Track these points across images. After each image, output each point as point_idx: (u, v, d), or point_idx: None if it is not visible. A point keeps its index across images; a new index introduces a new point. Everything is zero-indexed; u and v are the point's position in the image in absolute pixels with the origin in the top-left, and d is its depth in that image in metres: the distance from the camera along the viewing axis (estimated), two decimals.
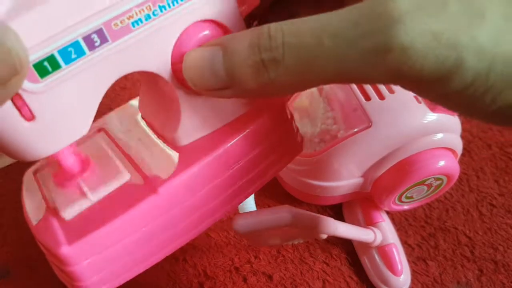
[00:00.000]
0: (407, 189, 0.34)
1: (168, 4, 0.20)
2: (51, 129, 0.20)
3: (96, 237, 0.22)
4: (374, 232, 0.34)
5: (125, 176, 0.24)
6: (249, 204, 0.31)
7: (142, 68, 0.21)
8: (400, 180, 0.33)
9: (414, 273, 0.36)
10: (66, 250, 0.22)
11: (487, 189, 0.40)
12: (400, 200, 0.36)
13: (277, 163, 0.27)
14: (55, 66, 0.18)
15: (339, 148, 0.33)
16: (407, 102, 0.33)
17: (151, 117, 0.26)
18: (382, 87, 0.34)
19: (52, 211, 0.23)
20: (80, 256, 0.22)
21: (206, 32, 0.21)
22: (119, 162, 0.25)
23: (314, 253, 0.37)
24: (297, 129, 0.28)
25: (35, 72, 0.18)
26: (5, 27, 0.16)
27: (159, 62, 0.21)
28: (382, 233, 0.35)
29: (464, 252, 0.37)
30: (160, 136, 0.26)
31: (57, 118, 0.19)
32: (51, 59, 0.18)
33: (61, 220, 0.23)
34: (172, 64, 0.21)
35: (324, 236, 0.30)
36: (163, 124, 0.25)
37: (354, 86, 0.34)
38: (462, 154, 0.42)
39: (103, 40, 0.19)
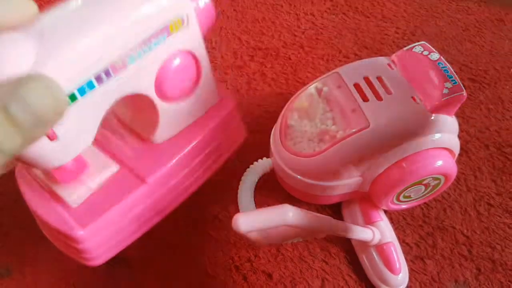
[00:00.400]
0: (405, 189, 0.35)
1: (155, 43, 0.26)
2: (69, 144, 0.25)
3: (102, 221, 0.28)
4: (373, 231, 0.35)
5: (114, 168, 0.30)
6: (249, 203, 0.31)
7: (135, 91, 0.27)
8: (398, 180, 0.34)
9: (412, 271, 0.36)
10: (80, 232, 0.28)
11: (485, 188, 0.40)
12: (398, 199, 0.36)
13: (230, 146, 0.35)
14: (73, 99, 0.23)
15: (338, 148, 0.33)
16: (405, 102, 0.33)
17: (125, 116, 0.31)
18: (380, 88, 0.34)
19: (56, 200, 0.29)
20: (90, 236, 0.28)
21: (182, 58, 0.28)
22: (104, 154, 0.31)
23: (313, 252, 0.37)
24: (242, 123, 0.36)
25: None
26: (52, 80, 0.19)
27: (147, 84, 0.27)
28: (380, 232, 0.35)
29: (462, 251, 0.37)
30: (132, 131, 0.32)
31: (74, 136, 0.25)
32: (71, 95, 0.23)
33: (67, 207, 0.29)
34: (156, 84, 0.28)
35: (323, 235, 0.30)
36: (139, 125, 0.32)
37: (352, 87, 0.35)
38: (460, 154, 0.42)
39: (108, 75, 0.24)
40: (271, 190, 0.39)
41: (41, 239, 0.37)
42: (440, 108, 0.33)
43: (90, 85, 0.23)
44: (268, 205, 0.39)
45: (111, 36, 0.23)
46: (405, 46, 0.49)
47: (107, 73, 0.24)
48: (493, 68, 0.47)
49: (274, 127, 0.38)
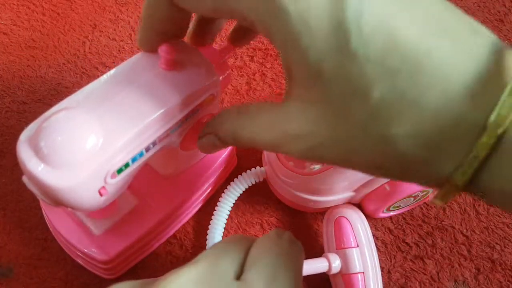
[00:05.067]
0: (396, 202, 0.35)
1: (191, 115, 0.30)
2: (114, 195, 0.30)
3: (125, 247, 0.34)
4: (329, 261, 0.33)
5: (133, 202, 0.35)
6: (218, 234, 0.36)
7: (167, 147, 0.31)
8: (390, 196, 0.34)
9: (411, 271, 0.36)
10: (106, 258, 0.33)
11: None
12: (388, 209, 0.37)
13: (226, 172, 0.41)
14: (127, 166, 0.28)
15: (336, 169, 0.33)
16: None
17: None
18: None
19: (82, 227, 0.34)
20: (114, 259, 0.33)
21: (204, 118, 0.33)
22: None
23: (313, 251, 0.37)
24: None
25: (116, 173, 0.27)
26: None
27: (177, 143, 0.32)
28: (349, 260, 0.34)
29: (461, 250, 0.37)
30: (146, 165, 0.36)
31: (118, 190, 0.30)
32: (126, 164, 0.28)
33: (91, 234, 0.33)
34: (182, 140, 0.33)
35: None
36: (155, 164, 0.37)
37: None
38: None
39: (154, 144, 0.29)
40: (263, 196, 0.40)
41: (43, 240, 0.37)
42: None
43: (141, 154, 0.29)
44: (263, 208, 0.39)
45: (160, 119, 0.28)
46: None
47: (154, 143, 0.29)
48: None
49: None
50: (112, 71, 0.29)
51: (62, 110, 0.26)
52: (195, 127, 0.32)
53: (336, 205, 0.36)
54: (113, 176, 0.27)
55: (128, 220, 0.34)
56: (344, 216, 0.35)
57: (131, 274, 0.36)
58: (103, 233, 0.34)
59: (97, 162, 0.26)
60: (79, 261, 0.35)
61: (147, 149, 0.29)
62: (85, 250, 0.33)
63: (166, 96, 0.29)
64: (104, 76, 0.29)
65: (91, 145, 0.25)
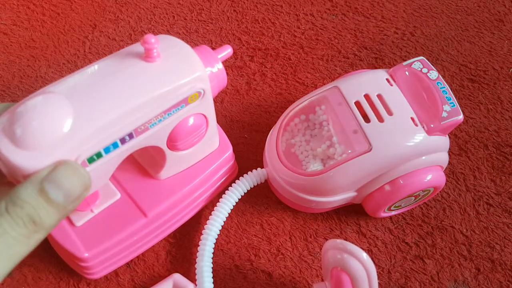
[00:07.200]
0: (397, 201, 0.35)
1: (174, 111, 0.30)
2: (92, 187, 0.28)
3: (105, 246, 0.33)
4: None
5: (116, 196, 0.34)
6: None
7: (151, 144, 0.30)
8: (392, 196, 0.34)
9: (411, 271, 0.36)
10: (85, 254, 0.32)
11: (484, 188, 0.40)
12: (389, 209, 0.37)
13: (224, 182, 0.39)
14: (99, 156, 0.27)
15: (339, 169, 0.33)
16: (405, 124, 0.33)
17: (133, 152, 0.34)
18: (381, 108, 0.34)
19: (67, 221, 0.33)
20: (93, 257, 0.33)
21: (194, 118, 0.32)
22: (108, 182, 0.34)
23: (313, 251, 0.37)
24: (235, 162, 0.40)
25: (87, 162, 0.27)
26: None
27: (162, 140, 0.31)
28: None
29: (461, 250, 0.37)
30: (137, 163, 0.36)
31: (96, 181, 0.28)
32: (98, 154, 0.27)
33: (72, 225, 0.33)
34: (169, 139, 0.31)
35: None
36: (146, 163, 0.36)
37: (353, 105, 0.34)
38: (459, 154, 0.42)
39: (131, 137, 0.28)
40: (263, 196, 0.40)
41: (43, 239, 0.37)
42: (438, 131, 0.33)
43: (115, 145, 0.28)
44: (258, 211, 0.39)
45: (136, 109, 0.27)
46: (404, 47, 0.49)
47: (131, 136, 0.28)
48: (492, 68, 0.48)
49: (268, 137, 0.38)
50: (96, 62, 0.28)
51: (36, 95, 0.26)
52: (181, 124, 0.32)
53: (336, 243, 0.30)
54: (83, 165, 0.27)
55: (111, 217, 0.34)
56: (344, 271, 0.29)
57: (128, 272, 0.36)
58: (84, 225, 0.33)
59: (65, 146, 0.25)
60: (66, 260, 0.35)
61: (123, 141, 0.28)
62: (64, 244, 0.32)
63: (145, 87, 0.28)
64: (88, 67, 0.28)
65: (59, 128, 0.25)
